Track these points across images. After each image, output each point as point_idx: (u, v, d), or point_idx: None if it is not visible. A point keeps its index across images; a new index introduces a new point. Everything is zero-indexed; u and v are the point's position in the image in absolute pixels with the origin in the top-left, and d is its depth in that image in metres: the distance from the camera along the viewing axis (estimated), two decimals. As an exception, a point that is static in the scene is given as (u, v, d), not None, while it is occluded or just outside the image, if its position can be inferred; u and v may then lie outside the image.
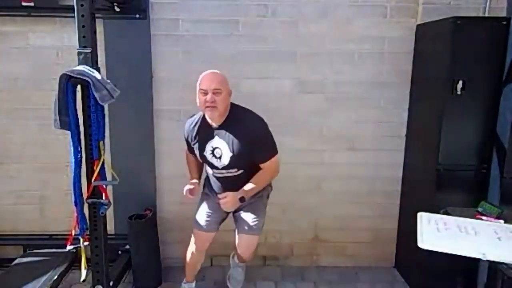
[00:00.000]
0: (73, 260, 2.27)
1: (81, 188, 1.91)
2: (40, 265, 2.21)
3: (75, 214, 1.95)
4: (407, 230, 2.69)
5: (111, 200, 2.14)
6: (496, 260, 1.56)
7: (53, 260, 2.26)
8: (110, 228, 2.60)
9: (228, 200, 2.00)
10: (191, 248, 2.34)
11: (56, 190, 2.76)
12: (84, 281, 2.05)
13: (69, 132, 1.83)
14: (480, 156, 2.33)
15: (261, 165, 2.08)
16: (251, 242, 2.22)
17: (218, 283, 2.70)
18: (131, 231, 2.60)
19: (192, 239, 2.33)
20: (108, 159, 2.32)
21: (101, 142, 1.93)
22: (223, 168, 2.10)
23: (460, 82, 2.23)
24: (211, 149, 2.08)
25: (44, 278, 2.08)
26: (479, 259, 1.57)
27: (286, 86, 2.69)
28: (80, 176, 1.88)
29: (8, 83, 2.64)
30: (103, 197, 1.99)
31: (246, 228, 2.17)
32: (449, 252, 1.60)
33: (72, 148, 1.85)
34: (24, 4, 2.46)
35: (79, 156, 1.87)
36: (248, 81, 2.68)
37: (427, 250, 1.63)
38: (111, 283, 2.25)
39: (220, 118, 2.04)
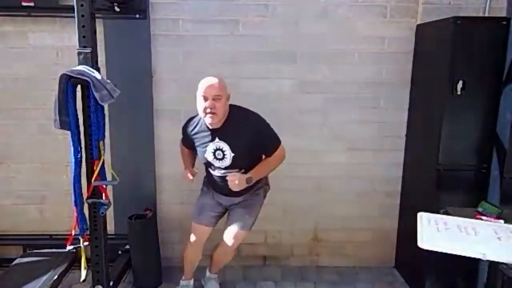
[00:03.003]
0: (73, 260, 2.27)
1: (81, 188, 1.91)
2: (40, 265, 2.22)
3: (75, 214, 1.95)
4: (407, 230, 2.69)
5: (111, 200, 2.14)
6: (496, 260, 1.56)
7: (53, 260, 2.26)
8: (110, 228, 2.60)
9: (235, 179, 2.04)
10: (189, 242, 2.38)
11: (56, 190, 2.76)
12: (84, 281, 2.05)
13: (69, 132, 1.83)
14: (480, 156, 2.33)
15: (272, 155, 2.15)
16: (237, 236, 2.25)
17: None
18: (131, 231, 2.60)
19: (191, 234, 2.36)
20: (108, 159, 2.32)
21: (101, 142, 1.93)
22: (225, 168, 2.13)
23: (460, 82, 2.23)
24: (213, 151, 2.11)
25: (44, 278, 2.08)
26: (479, 259, 1.57)
27: (286, 86, 2.69)
28: (80, 176, 1.89)
29: (8, 83, 2.64)
30: (103, 197, 1.99)
31: (236, 222, 2.25)
32: (449, 252, 1.60)
33: (72, 148, 1.85)
34: (24, 4, 2.46)
35: (79, 156, 1.87)
36: (248, 81, 2.68)
37: (427, 250, 1.63)
38: (111, 283, 2.25)
39: (220, 122, 2.07)
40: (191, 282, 2.49)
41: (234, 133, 2.07)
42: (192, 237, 2.36)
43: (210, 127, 2.10)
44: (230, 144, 2.07)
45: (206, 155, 2.14)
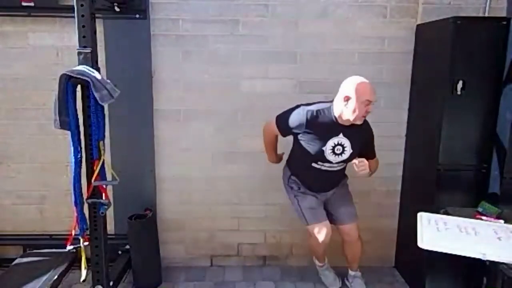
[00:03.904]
0: (73, 260, 2.28)
1: (81, 188, 1.91)
2: (40, 265, 2.22)
3: (75, 214, 1.95)
4: (407, 230, 2.69)
5: (111, 200, 2.14)
6: (496, 260, 1.56)
7: (53, 260, 2.26)
8: (110, 228, 2.60)
9: (364, 164, 2.18)
10: (318, 242, 2.38)
11: (56, 190, 2.76)
12: (84, 281, 2.06)
13: (69, 132, 1.83)
14: (480, 156, 2.33)
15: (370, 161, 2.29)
16: (354, 228, 2.44)
17: (218, 283, 2.71)
18: (131, 231, 2.60)
19: (315, 234, 2.36)
20: (108, 159, 2.32)
21: (101, 142, 1.93)
22: (336, 163, 2.24)
23: (460, 82, 2.23)
24: (333, 145, 2.18)
25: (44, 278, 2.08)
26: (479, 259, 1.57)
27: (286, 86, 2.69)
28: (80, 176, 1.89)
29: (8, 83, 2.64)
30: (103, 197, 1.99)
31: (347, 218, 2.42)
32: (449, 252, 1.60)
33: (72, 148, 1.85)
34: (24, 4, 2.46)
35: (79, 156, 1.87)
36: (248, 81, 2.68)
37: (427, 250, 1.63)
38: (111, 283, 2.26)
39: None
40: (326, 261, 2.63)
41: (356, 133, 2.19)
42: (320, 237, 2.34)
43: (341, 122, 2.16)
44: (352, 141, 2.19)
45: (324, 148, 2.18)
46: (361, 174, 2.18)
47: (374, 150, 2.34)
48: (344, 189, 2.47)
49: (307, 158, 2.24)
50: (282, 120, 2.23)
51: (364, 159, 2.18)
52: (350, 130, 2.18)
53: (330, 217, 2.43)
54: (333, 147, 2.18)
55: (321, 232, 2.35)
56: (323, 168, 2.25)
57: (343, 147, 2.19)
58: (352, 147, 2.20)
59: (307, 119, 2.15)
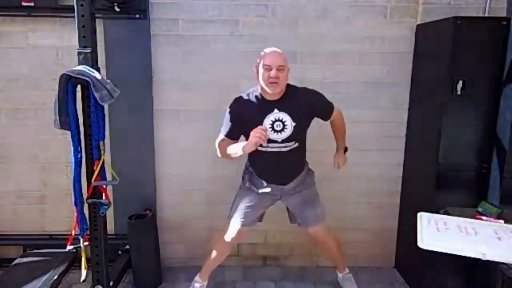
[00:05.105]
0: (73, 260, 2.28)
1: (81, 188, 1.92)
2: (40, 265, 2.22)
3: (75, 214, 1.95)
4: (407, 230, 2.69)
5: (111, 200, 2.14)
6: (496, 260, 1.56)
7: (53, 260, 2.26)
8: (110, 228, 2.60)
9: (340, 159, 2.38)
10: (223, 242, 2.35)
11: (56, 190, 2.76)
12: (84, 281, 2.06)
13: (69, 132, 1.84)
14: (480, 156, 2.33)
15: (330, 118, 2.27)
16: (319, 230, 2.40)
17: (218, 283, 2.70)
18: (131, 231, 2.60)
19: (226, 233, 2.34)
20: (108, 159, 2.32)
21: (101, 142, 1.93)
22: (282, 141, 2.12)
23: (460, 82, 2.23)
24: (271, 122, 2.09)
25: (44, 278, 2.08)
26: (478, 259, 1.57)
27: (286, 86, 2.69)
28: (80, 176, 1.89)
29: (8, 83, 2.64)
30: (103, 197, 2.00)
31: (313, 220, 2.36)
32: (449, 252, 1.60)
33: (72, 148, 1.86)
34: (24, 4, 2.46)
35: (79, 156, 1.87)
36: (248, 81, 2.66)
37: (427, 250, 1.63)
38: (111, 283, 2.26)
39: (280, 94, 2.10)
40: (205, 284, 2.49)
41: (294, 104, 2.10)
42: (231, 238, 2.33)
43: (268, 98, 2.09)
44: (291, 114, 2.08)
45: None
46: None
47: (330, 106, 2.22)
48: (309, 191, 2.34)
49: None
50: (224, 128, 2.20)
51: (335, 157, 2.34)
52: (284, 103, 2.09)
53: (295, 220, 2.41)
54: (272, 124, 2.08)
55: (232, 232, 2.31)
56: (269, 150, 2.13)
57: (283, 122, 2.08)
58: (294, 120, 2.08)
59: (238, 105, 2.16)
